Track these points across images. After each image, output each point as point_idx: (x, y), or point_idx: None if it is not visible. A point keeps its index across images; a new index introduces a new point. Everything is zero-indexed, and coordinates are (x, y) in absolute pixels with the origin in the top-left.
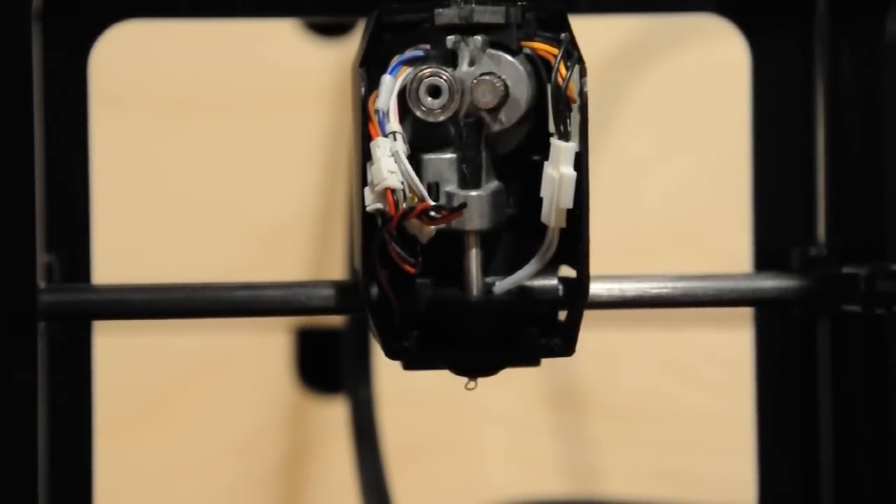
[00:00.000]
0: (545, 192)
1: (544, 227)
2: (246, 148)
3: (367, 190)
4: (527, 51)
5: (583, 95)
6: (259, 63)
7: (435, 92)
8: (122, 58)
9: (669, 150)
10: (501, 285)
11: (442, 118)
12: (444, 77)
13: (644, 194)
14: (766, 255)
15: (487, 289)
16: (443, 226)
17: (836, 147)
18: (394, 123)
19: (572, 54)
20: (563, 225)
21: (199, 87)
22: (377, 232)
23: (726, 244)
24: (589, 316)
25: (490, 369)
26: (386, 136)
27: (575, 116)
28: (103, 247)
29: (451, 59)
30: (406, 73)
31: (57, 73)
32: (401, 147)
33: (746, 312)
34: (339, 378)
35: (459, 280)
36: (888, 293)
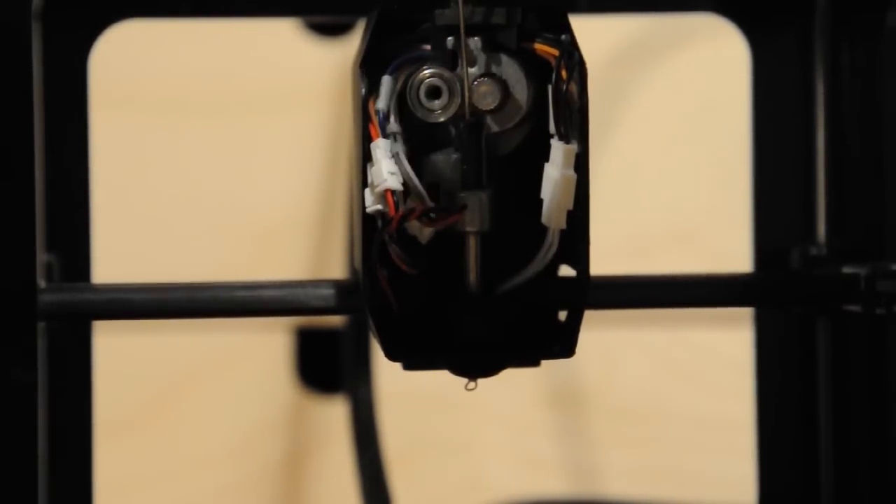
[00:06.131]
0: (546, 192)
1: (545, 228)
2: (246, 148)
3: (367, 191)
4: (527, 52)
5: (583, 97)
6: (259, 63)
7: (435, 93)
8: (122, 58)
9: (669, 150)
10: (502, 286)
11: (442, 119)
12: (445, 78)
13: (644, 194)
14: (766, 255)
15: (487, 290)
16: (443, 227)
17: (836, 146)
18: (394, 124)
19: (573, 55)
20: (564, 226)
21: (199, 87)
22: (377, 233)
23: (726, 244)
24: (589, 316)
25: (490, 370)
26: (386, 137)
27: (575, 117)
28: (103, 247)
29: (451, 60)
30: (406, 73)
31: (57, 73)
32: (401, 148)
33: (746, 312)
34: (339, 378)
35: (459, 281)
36: (888, 293)
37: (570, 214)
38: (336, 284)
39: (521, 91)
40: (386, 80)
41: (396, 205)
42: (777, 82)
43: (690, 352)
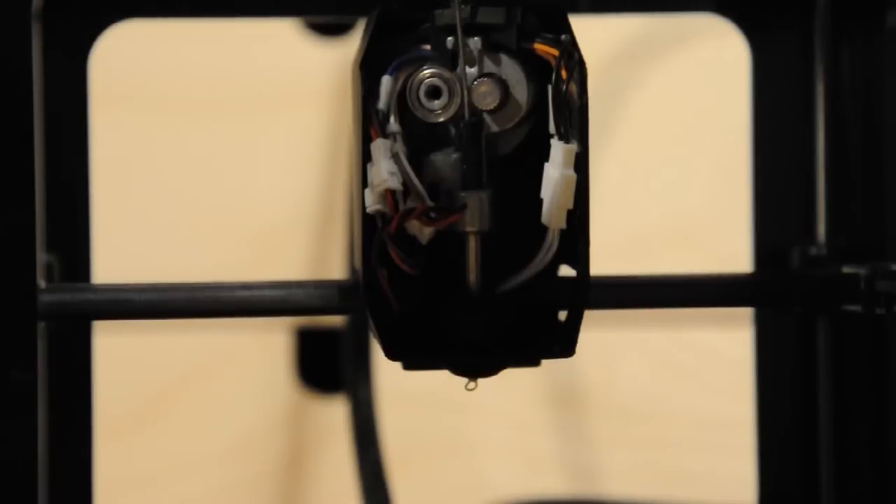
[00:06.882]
0: (546, 192)
1: (545, 228)
2: (246, 147)
3: (367, 191)
4: (527, 52)
5: (583, 97)
6: (259, 63)
7: (435, 93)
8: (122, 58)
9: (669, 150)
10: (502, 286)
11: (442, 119)
12: (444, 78)
13: (644, 194)
14: (766, 255)
15: (487, 290)
16: (443, 227)
17: (836, 146)
18: (394, 125)
19: (573, 56)
20: (564, 226)
21: (198, 86)
22: (377, 233)
23: (726, 244)
24: (589, 316)
25: (490, 370)
26: (386, 137)
27: (575, 117)
28: (103, 247)
29: (451, 60)
30: (406, 73)
31: (57, 73)
32: (401, 148)
33: (746, 312)
34: (339, 378)
35: (459, 281)
36: (888, 293)
37: (570, 214)
38: (336, 284)
39: (520, 91)
40: (386, 80)
41: (396, 205)
42: (777, 82)
43: (690, 352)
